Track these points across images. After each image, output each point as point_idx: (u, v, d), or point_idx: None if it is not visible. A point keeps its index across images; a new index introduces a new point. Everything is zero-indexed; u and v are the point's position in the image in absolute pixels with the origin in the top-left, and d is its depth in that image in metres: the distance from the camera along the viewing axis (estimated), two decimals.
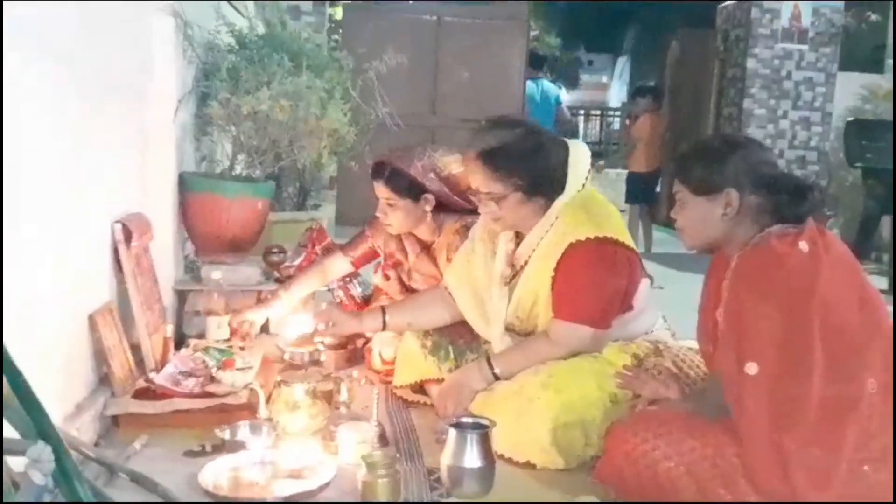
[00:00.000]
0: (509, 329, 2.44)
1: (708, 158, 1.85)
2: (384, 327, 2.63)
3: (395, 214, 2.75)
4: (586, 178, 2.34)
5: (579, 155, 2.33)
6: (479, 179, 2.30)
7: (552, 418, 2.14)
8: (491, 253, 2.48)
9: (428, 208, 2.74)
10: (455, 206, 2.78)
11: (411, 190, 2.71)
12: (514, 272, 2.41)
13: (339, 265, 3.06)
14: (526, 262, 2.37)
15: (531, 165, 2.27)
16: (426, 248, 2.87)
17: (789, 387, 1.65)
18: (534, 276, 2.34)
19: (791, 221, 1.79)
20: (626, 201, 7.25)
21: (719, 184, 1.82)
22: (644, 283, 2.40)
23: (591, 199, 2.34)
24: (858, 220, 6.87)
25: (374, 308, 2.65)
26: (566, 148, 2.34)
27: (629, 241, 2.32)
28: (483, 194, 2.31)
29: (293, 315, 3.03)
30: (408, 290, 2.97)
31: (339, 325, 2.64)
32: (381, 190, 2.74)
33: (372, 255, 3.05)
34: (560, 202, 2.31)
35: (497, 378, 2.32)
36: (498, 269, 2.43)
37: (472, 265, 2.52)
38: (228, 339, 2.80)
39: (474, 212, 2.79)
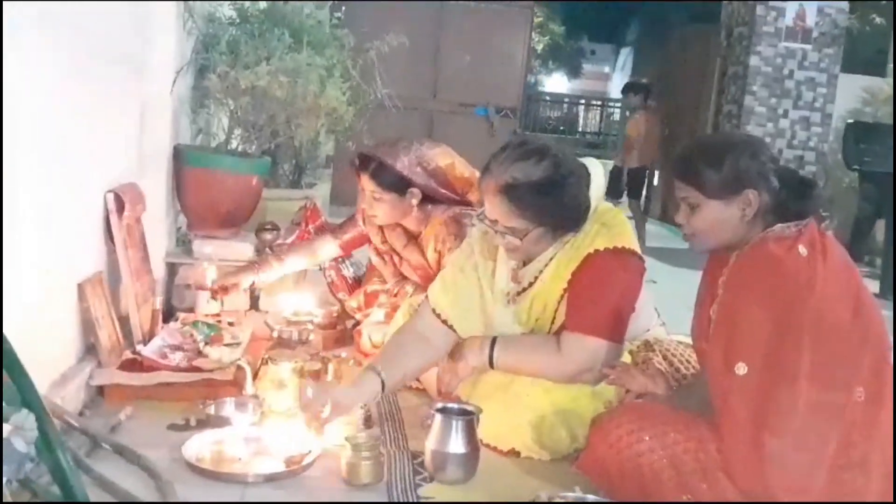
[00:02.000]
0: None
1: (719, 159, 1.78)
2: (384, 390, 2.17)
3: (380, 207, 2.73)
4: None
5: (597, 177, 2.21)
6: (499, 213, 2.12)
7: (538, 416, 2.14)
8: (491, 271, 2.30)
9: (414, 202, 2.71)
10: (442, 199, 2.76)
11: (397, 184, 2.68)
12: (521, 289, 2.28)
13: (328, 248, 3.05)
14: (536, 279, 2.25)
15: (558, 202, 2.10)
16: (413, 239, 2.86)
17: (776, 390, 1.64)
18: (550, 289, 2.23)
19: (795, 217, 1.76)
20: (627, 195, 7.23)
21: (737, 185, 1.77)
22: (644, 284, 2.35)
23: (606, 212, 2.26)
24: (852, 222, 6.87)
25: (367, 369, 2.19)
26: (588, 174, 2.19)
27: (639, 251, 2.24)
28: (503, 227, 2.15)
29: (285, 294, 3.04)
30: (401, 274, 2.96)
31: (341, 405, 2.09)
32: (367, 183, 2.71)
33: (361, 240, 3.02)
34: None
35: (491, 364, 2.22)
36: (500, 286, 2.28)
37: (467, 282, 2.30)
38: (217, 315, 2.79)
39: (461, 202, 2.77)
